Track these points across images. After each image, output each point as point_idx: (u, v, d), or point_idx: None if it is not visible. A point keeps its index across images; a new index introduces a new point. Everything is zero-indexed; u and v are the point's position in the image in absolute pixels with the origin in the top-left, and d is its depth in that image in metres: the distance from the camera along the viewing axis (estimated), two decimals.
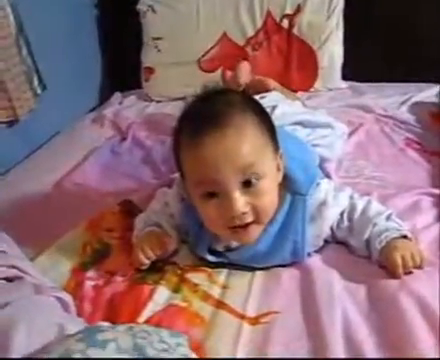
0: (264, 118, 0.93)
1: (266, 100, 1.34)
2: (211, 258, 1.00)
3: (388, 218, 0.96)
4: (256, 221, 0.90)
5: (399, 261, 0.87)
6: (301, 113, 1.40)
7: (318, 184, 1.00)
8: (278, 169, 0.95)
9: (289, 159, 0.97)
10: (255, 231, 0.92)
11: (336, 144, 1.36)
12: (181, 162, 0.93)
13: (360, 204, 0.99)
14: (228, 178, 0.85)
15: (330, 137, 1.34)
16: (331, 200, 0.98)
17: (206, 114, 0.88)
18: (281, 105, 1.35)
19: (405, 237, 0.92)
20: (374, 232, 0.94)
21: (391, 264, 0.88)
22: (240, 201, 0.86)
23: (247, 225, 0.90)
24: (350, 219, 0.98)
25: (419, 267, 0.88)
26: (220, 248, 1.01)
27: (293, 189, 0.97)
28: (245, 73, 1.78)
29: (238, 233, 0.91)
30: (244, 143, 0.86)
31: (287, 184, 0.97)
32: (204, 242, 1.01)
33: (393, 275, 0.87)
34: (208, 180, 0.87)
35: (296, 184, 0.97)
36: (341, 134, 1.41)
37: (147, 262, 0.99)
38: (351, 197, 1.01)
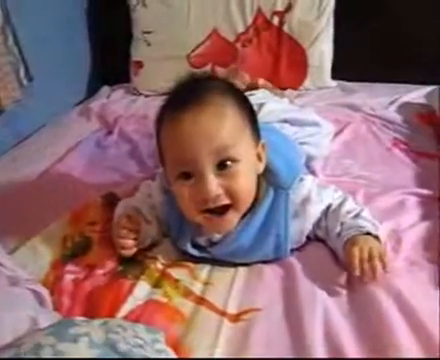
0: (245, 105, 0.93)
1: (254, 98, 1.33)
2: (193, 252, 0.99)
3: (356, 216, 0.95)
4: (233, 206, 0.89)
5: (356, 253, 0.85)
6: (288, 111, 1.40)
7: (302, 180, 0.99)
8: (259, 159, 0.94)
9: (273, 153, 0.97)
10: (232, 218, 0.91)
11: (323, 142, 1.36)
12: (161, 142, 0.93)
13: (335, 203, 0.99)
14: (202, 157, 0.84)
15: (317, 135, 1.33)
16: (315, 197, 0.98)
17: (188, 93, 0.88)
18: (269, 102, 1.35)
19: (369, 234, 0.90)
20: (340, 231, 0.93)
21: (348, 258, 0.87)
22: (213, 182, 0.85)
23: (223, 212, 0.89)
24: (326, 218, 0.98)
25: (383, 265, 0.85)
26: (202, 242, 1.00)
27: (276, 183, 0.96)
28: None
29: (213, 220, 0.90)
30: (222, 124, 0.86)
31: (270, 178, 0.96)
32: (186, 235, 1.00)
33: (351, 269, 0.85)
34: (183, 159, 0.86)
35: (279, 178, 0.96)
36: (328, 133, 1.40)
37: (129, 243, 0.98)
38: (334, 192, 1.01)
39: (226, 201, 0.88)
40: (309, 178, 1.03)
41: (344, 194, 1.03)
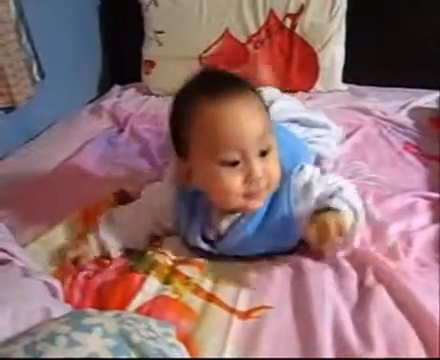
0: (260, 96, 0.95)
1: (263, 94, 1.33)
2: (203, 245, 1.00)
3: (332, 196, 0.93)
4: (267, 187, 0.91)
5: (313, 232, 0.84)
6: (298, 111, 1.39)
7: (302, 167, 0.99)
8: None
9: (279, 146, 0.97)
10: (265, 195, 0.92)
11: (332, 144, 1.36)
12: (192, 128, 0.90)
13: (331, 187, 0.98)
14: (252, 143, 0.86)
15: (326, 137, 1.33)
16: (316, 182, 0.96)
17: (223, 81, 0.91)
18: (279, 101, 1.34)
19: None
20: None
21: (307, 237, 0.88)
22: (259, 166, 0.87)
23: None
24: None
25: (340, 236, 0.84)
26: (211, 235, 1.00)
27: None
28: None
29: (250, 199, 0.90)
30: (261, 112, 0.90)
31: None
32: (196, 229, 1.00)
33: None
34: (231, 144, 0.86)
35: (282, 166, 0.95)
36: (336, 135, 1.40)
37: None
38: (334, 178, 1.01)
39: (264, 185, 0.90)
40: (310, 166, 1.02)
41: (343, 180, 1.02)
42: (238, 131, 0.86)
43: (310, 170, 0.99)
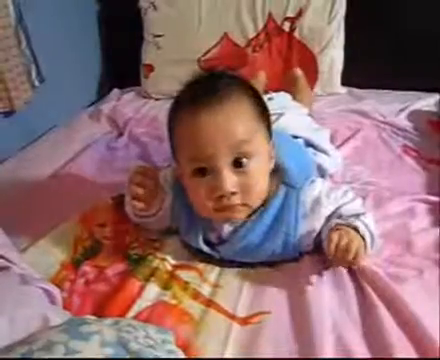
0: (260, 103, 0.93)
1: (274, 103, 1.32)
2: (204, 247, 0.99)
3: (355, 216, 0.93)
4: (244, 204, 0.90)
5: (335, 238, 0.85)
6: (305, 130, 1.35)
7: (313, 181, 0.99)
8: (270, 157, 0.94)
9: (285, 155, 0.97)
10: (242, 211, 0.92)
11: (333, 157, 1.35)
12: (175, 138, 0.93)
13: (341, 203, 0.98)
14: (220, 153, 0.85)
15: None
16: (325, 198, 0.97)
17: (205, 87, 0.89)
18: (288, 115, 1.33)
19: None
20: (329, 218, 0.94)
21: (327, 242, 0.87)
22: (230, 179, 0.86)
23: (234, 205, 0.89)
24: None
25: (352, 263, 0.87)
26: (212, 238, 1.00)
27: (287, 182, 0.96)
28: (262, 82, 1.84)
29: (224, 212, 0.90)
30: (239, 119, 0.87)
31: (282, 177, 0.97)
32: (197, 231, 0.99)
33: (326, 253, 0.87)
34: (200, 155, 0.86)
35: (290, 177, 0.96)
36: (334, 162, 1.36)
37: (141, 206, 0.98)
38: (344, 194, 1.00)
39: (239, 201, 0.88)
40: (320, 180, 1.03)
41: (354, 196, 1.02)
42: (203, 139, 0.85)
43: (319, 185, 0.99)
